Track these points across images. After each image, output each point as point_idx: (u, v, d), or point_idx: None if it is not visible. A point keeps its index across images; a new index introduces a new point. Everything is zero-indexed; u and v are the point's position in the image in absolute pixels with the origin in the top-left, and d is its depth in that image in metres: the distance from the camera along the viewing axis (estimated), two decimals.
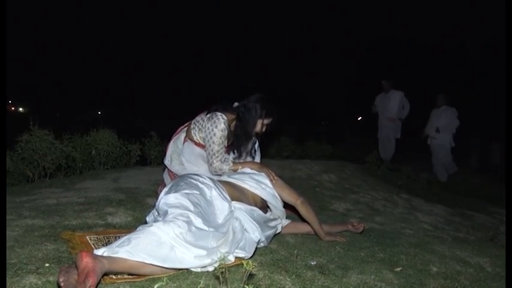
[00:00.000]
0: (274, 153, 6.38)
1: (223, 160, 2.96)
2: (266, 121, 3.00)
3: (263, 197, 2.66)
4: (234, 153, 3.08)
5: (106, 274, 1.70)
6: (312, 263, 2.32)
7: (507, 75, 2.81)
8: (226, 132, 2.93)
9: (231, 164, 2.95)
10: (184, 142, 3.10)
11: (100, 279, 1.63)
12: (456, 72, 17.53)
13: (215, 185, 2.40)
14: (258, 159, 3.20)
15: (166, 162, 3.17)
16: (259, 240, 2.32)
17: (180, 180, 2.34)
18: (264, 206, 2.67)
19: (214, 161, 2.93)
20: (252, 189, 2.64)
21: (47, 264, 1.90)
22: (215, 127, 2.89)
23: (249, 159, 3.13)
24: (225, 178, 2.71)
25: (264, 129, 3.04)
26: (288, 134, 7.53)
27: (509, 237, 2.48)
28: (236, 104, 3.06)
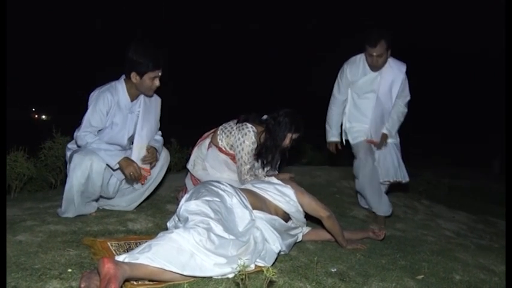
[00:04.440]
0: (293, 160, 6.37)
1: (252, 173, 2.99)
2: (295, 136, 3.03)
3: (286, 210, 2.63)
4: (263, 164, 3.09)
5: (127, 280, 1.72)
6: (333, 270, 2.30)
7: (507, 76, 2.75)
8: (255, 145, 2.97)
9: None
10: (208, 148, 3.14)
11: (121, 285, 1.64)
12: (479, 76, 17.27)
13: (236, 192, 2.40)
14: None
15: (189, 166, 3.22)
16: (279, 251, 2.32)
17: (201, 187, 2.35)
18: (286, 218, 2.65)
19: (244, 172, 2.99)
20: (275, 202, 2.61)
21: (69, 270, 1.93)
22: (246, 139, 2.93)
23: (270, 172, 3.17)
24: (248, 186, 2.70)
25: (290, 144, 3.07)
26: (307, 140, 7.49)
27: (509, 237, 2.42)
28: (265, 116, 3.10)
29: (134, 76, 2.76)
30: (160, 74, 2.79)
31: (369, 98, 3.63)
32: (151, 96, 2.97)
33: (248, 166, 2.98)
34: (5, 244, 2.05)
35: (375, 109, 3.61)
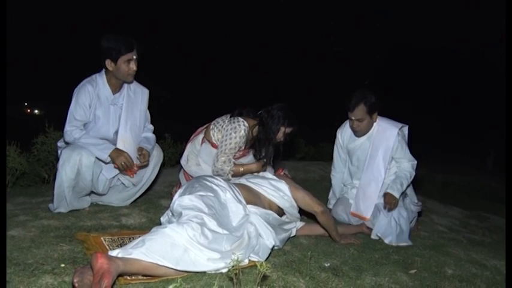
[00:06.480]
0: (287, 155, 6.36)
1: (226, 162, 2.98)
2: (288, 130, 3.02)
3: (280, 205, 2.64)
4: (257, 157, 3.09)
5: (120, 275, 1.71)
6: (326, 265, 2.31)
7: (507, 75, 2.76)
8: (243, 140, 2.96)
9: (233, 166, 2.97)
10: (202, 143, 3.13)
11: (115, 280, 1.64)
12: (473, 74, 17.35)
13: (230, 187, 2.40)
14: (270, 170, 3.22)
15: (183, 162, 3.20)
16: (273, 246, 2.32)
17: (195, 182, 2.35)
18: (280, 213, 2.66)
19: (219, 161, 2.95)
20: (269, 197, 2.62)
21: (62, 265, 1.92)
22: (234, 132, 2.91)
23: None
24: (243, 181, 2.70)
25: (284, 139, 3.05)
26: (301, 135, 7.48)
27: (509, 237, 2.44)
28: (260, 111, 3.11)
29: (109, 63, 2.74)
30: (135, 56, 2.76)
31: (358, 168, 3.38)
32: (131, 82, 2.93)
33: (223, 158, 2.95)
34: (5, 243, 2.04)
35: (363, 177, 3.30)
